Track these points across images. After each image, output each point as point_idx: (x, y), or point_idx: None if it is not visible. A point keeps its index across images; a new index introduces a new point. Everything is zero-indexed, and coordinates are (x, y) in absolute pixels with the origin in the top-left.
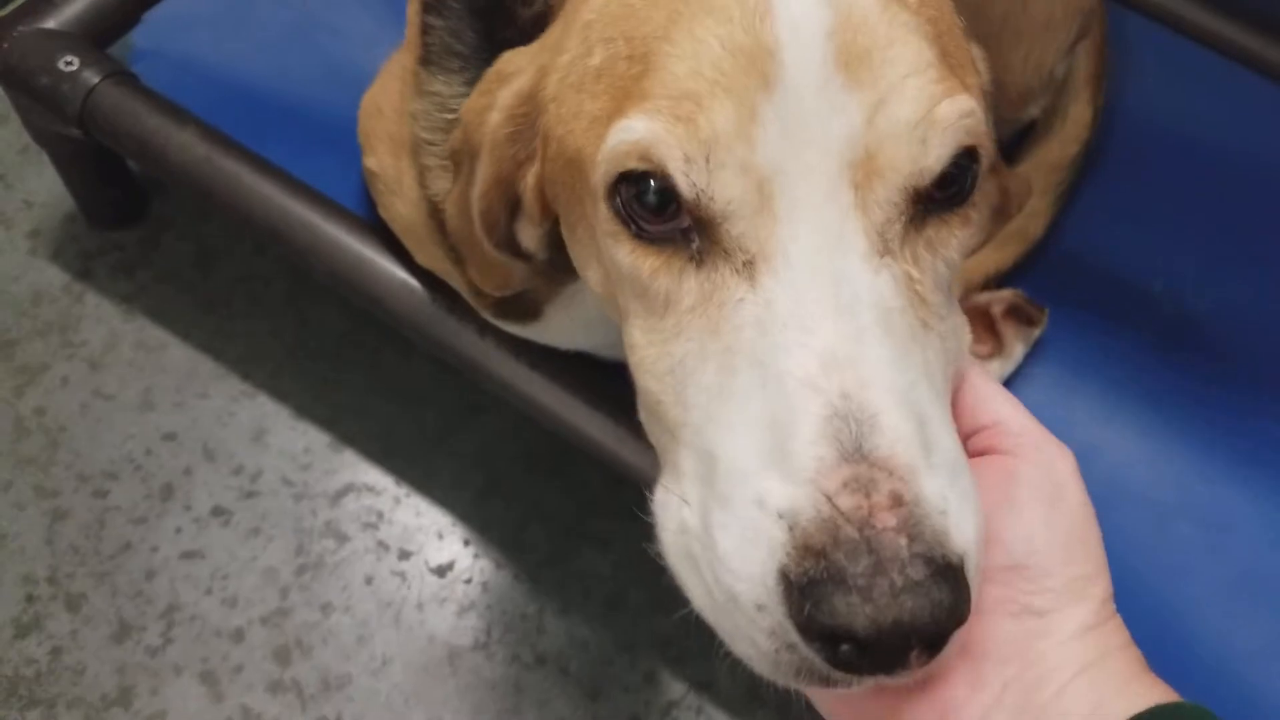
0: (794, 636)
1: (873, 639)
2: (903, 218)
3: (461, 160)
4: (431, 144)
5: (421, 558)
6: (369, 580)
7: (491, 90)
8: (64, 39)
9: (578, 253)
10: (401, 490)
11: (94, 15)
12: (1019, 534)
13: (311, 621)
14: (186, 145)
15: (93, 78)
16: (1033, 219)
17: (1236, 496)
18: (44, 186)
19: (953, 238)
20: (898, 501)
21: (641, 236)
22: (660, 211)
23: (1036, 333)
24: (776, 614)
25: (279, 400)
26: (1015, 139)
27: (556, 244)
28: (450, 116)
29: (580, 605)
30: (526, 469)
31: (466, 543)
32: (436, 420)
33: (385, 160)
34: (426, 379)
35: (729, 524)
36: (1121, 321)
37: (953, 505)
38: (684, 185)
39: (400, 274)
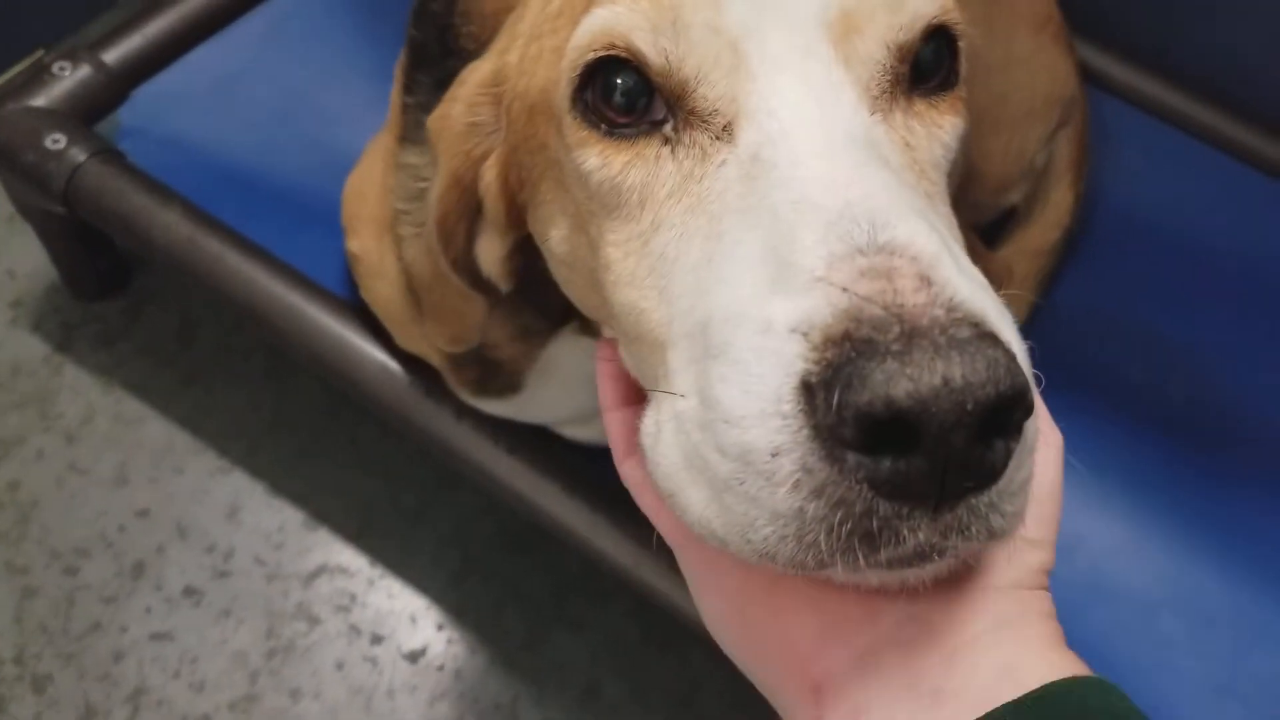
0: (823, 468)
1: (916, 407)
2: (889, 76)
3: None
4: (406, 213)
5: (394, 642)
6: (340, 666)
7: (454, 95)
8: (52, 117)
9: (543, 216)
10: (375, 571)
11: (83, 93)
12: None
13: (280, 708)
14: (170, 225)
15: (79, 156)
16: (1014, 304)
17: (1219, 589)
18: (28, 257)
19: (945, 119)
20: (926, 283)
21: (611, 134)
22: (630, 109)
23: None
24: (799, 444)
25: (255, 476)
26: (997, 224)
27: (520, 271)
28: (422, 185)
29: (555, 695)
30: (504, 547)
31: (440, 627)
32: (414, 497)
33: (368, 243)
34: (404, 455)
35: (730, 374)
36: (1103, 408)
37: (992, 313)
38: (652, 54)
39: (380, 357)
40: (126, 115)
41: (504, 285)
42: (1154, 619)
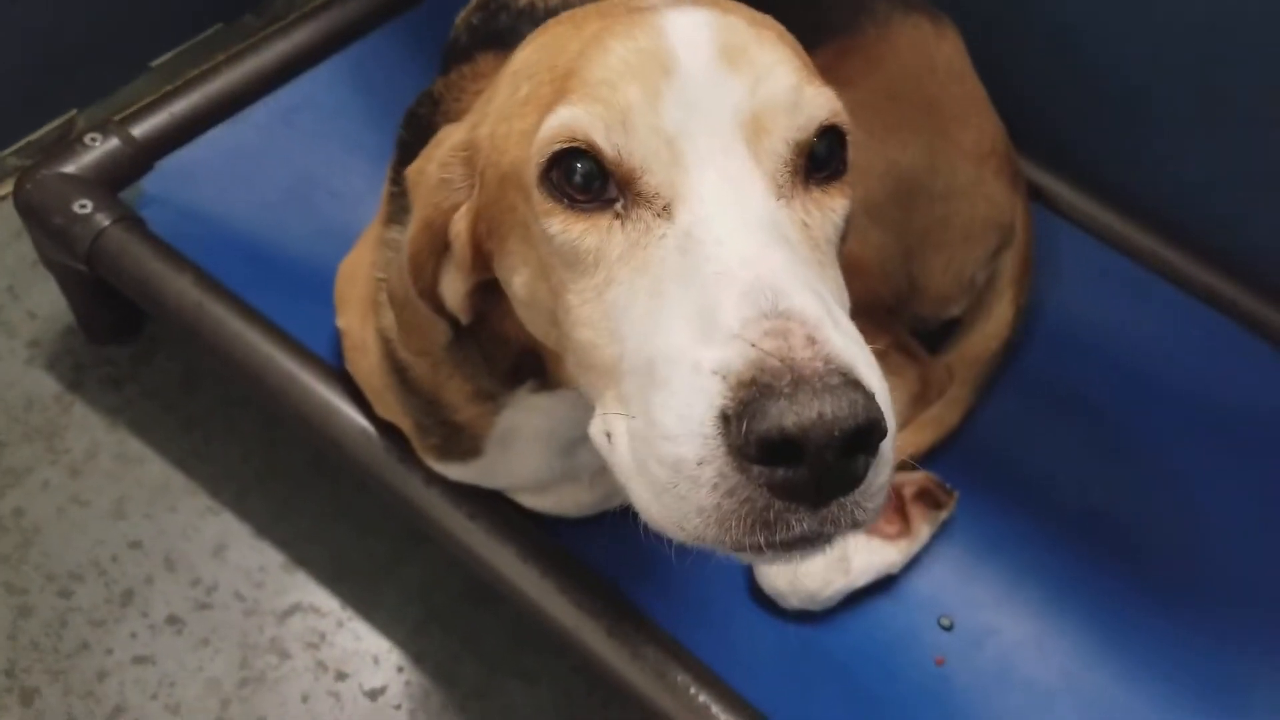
0: (734, 475)
1: (799, 434)
2: (789, 169)
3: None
4: (385, 281)
5: (356, 680)
6: (305, 699)
7: (429, 153)
8: (80, 183)
9: (509, 265)
10: (345, 614)
11: (110, 163)
12: None
13: None
14: (181, 291)
15: (102, 221)
16: (951, 407)
17: (1116, 684)
18: (48, 300)
19: (836, 202)
20: (811, 341)
21: (572, 208)
22: (587, 189)
23: (944, 516)
24: (717, 457)
25: (242, 519)
26: (940, 329)
27: (478, 308)
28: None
29: None
30: (466, 600)
31: (400, 669)
32: (386, 549)
33: (354, 321)
34: (380, 509)
35: (668, 401)
36: (1026, 510)
37: (861, 362)
38: (607, 148)
39: (361, 423)
40: (150, 185)
41: (463, 318)
42: (1052, 709)
